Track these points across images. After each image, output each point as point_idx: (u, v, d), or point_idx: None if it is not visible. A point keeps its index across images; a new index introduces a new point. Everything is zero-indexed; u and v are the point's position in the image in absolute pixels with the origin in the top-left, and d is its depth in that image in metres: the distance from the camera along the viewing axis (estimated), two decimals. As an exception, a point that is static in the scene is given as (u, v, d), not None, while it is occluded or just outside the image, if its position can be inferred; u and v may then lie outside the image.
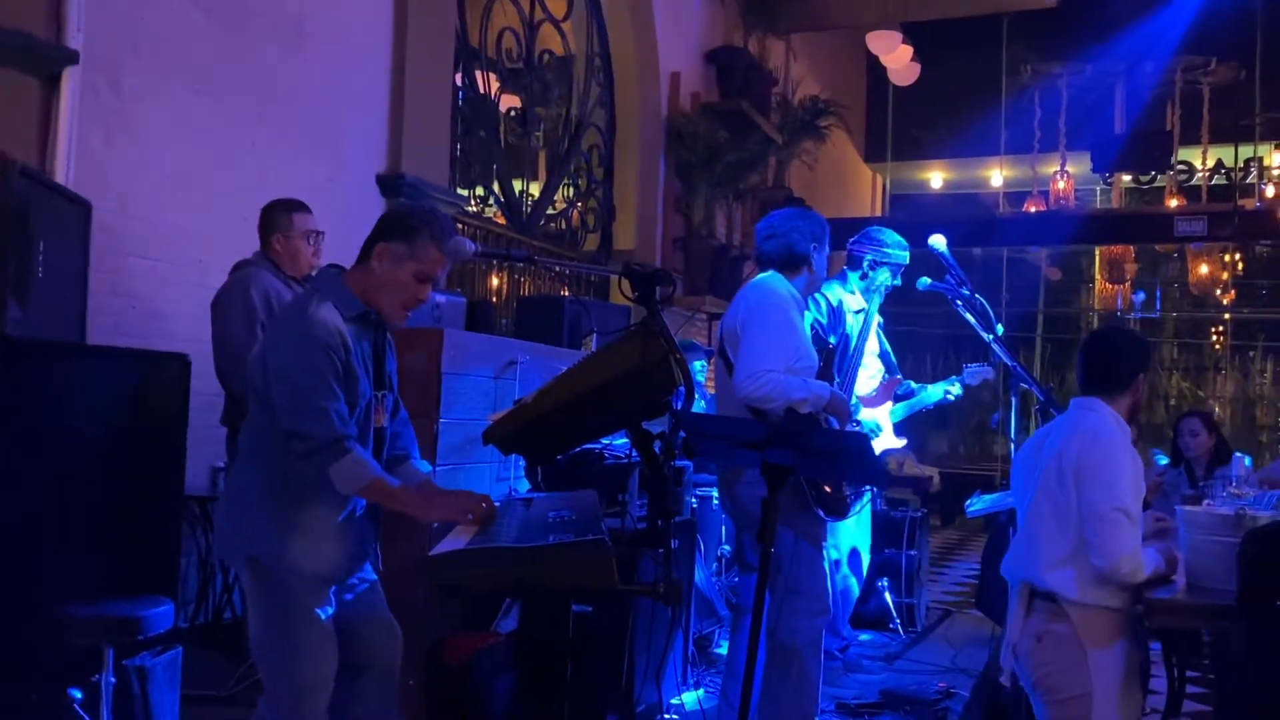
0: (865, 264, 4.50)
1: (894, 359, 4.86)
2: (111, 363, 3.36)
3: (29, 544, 2.89)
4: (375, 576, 2.61)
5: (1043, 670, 2.89)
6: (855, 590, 5.09)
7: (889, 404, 4.74)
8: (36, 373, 2.98)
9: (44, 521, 2.95)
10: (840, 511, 3.49)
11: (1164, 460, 5.69)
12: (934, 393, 4.89)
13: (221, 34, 4.56)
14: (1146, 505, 5.17)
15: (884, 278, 4.51)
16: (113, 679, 2.80)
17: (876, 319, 4.61)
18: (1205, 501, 3.18)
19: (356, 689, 2.52)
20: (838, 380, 3.85)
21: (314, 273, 3.78)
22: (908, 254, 4.52)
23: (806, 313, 3.57)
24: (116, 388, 3.28)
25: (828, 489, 3.38)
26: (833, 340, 4.17)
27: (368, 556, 2.55)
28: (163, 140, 4.31)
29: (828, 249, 3.60)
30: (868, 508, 5.02)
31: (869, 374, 4.61)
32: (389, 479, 2.42)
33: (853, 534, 4.95)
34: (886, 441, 4.71)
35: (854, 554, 5.01)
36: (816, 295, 4.47)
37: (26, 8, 3.70)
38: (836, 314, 4.39)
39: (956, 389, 4.89)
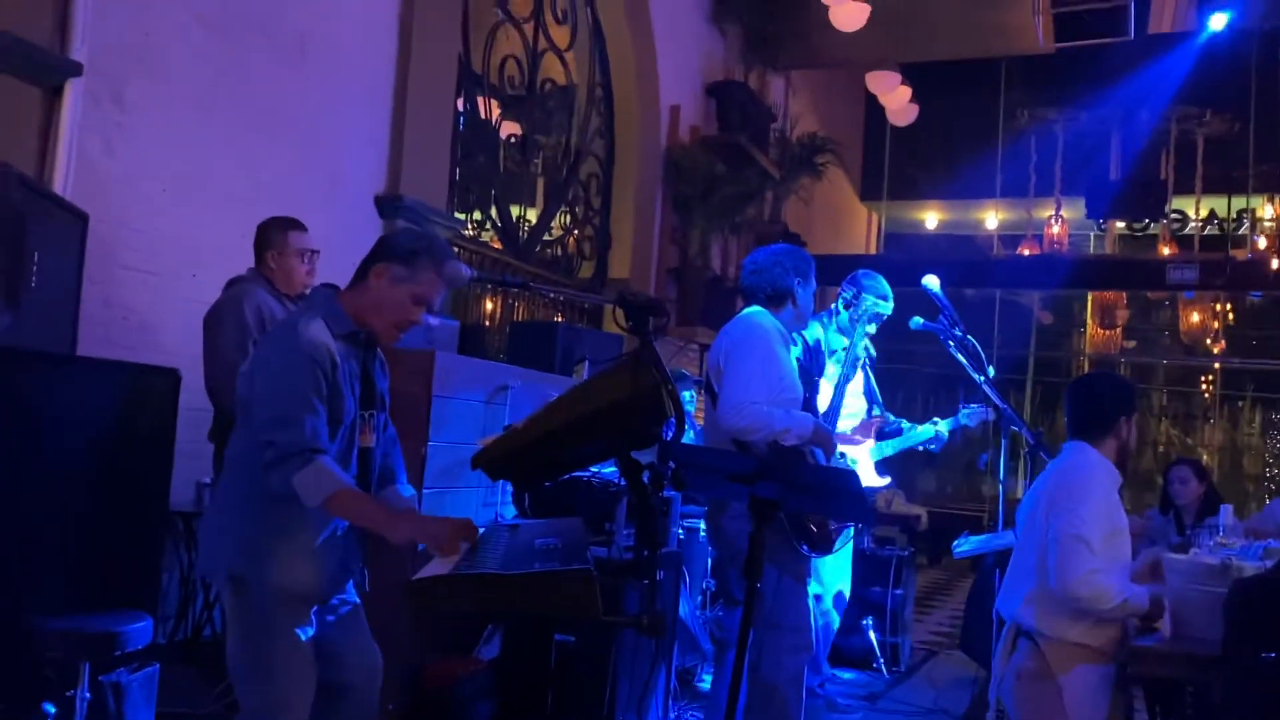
0: (845, 302, 4.48)
1: (879, 397, 4.84)
2: (101, 374, 3.35)
3: (7, 554, 2.86)
4: (358, 599, 2.58)
5: (1021, 709, 2.92)
6: (834, 626, 5.06)
7: (870, 441, 4.71)
8: (25, 382, 2.96)
9: (25, 532, 2.92)
10: (824, 546, 3.48)
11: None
12: (924, 432, 4.85)
13: (224, 50, 4.58)
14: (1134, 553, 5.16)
15: (869, 320, 4.50)
16: (88, 695, 2.77)
17: (864, 357, 4.59)
18: (1191, 550, 3.19)
19: (334, 712, 2.49)
20: (824, 412, 3.84)
21: (308, 291, 3.78)
22: (890, 305, 4.50)
23: (792, 347, 3.57)
24: (105, 399, 3.26)
25: (812, 526, 3.36)
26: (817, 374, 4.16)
27: (351, 576, 2.53)
28: (162, 153, 4.31)
29: (813, 284, 3.62)
30: (849, 545, 4.98)
31: (848, 411, 4.59)
32: (359, 492, 2.39)
33: (837, 572, 4.92)
34: (868, 479, 4.69)
35: (837, 593, 4.98)
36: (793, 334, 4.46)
37: (32, 18, 3.72)
38: (815, 352, 4.40)
39: (945, 429, 4.82)
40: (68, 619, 2.76)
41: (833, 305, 4.59)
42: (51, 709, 2.77)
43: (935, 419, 4.86)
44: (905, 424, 4.86)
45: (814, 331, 4.46)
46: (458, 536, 2.32)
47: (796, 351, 4.18)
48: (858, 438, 4.61)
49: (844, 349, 4.43)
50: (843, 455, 4.40)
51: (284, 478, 2.26)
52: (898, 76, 10.52)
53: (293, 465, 2.24)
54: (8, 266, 2.93)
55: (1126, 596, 2.82)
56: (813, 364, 4.28)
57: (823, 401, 4.03)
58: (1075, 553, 2.79)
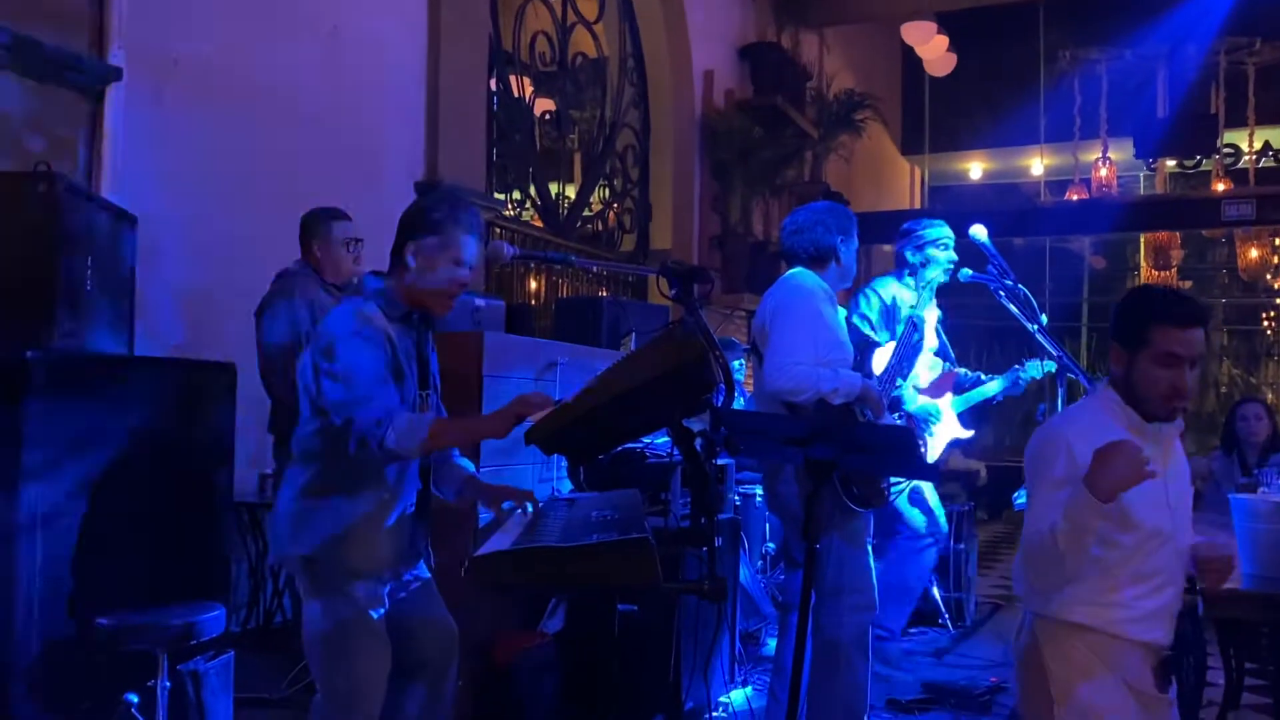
0: (913, 257, 4.47)
1: (952, 353, 4.82)
2: (159, 372, 3.42)
3: (83, 552, 2.94)
4: (429, 575, 2.63)
5: (1020, 702, 2.39)
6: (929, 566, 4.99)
7: (949, 395, 4.69)
8: (88, 384, 3.03)
9: (97, 530, 3.00)
10: (878, 501, 3.46)
11: None
12: (995, 386, 4.83)
13: (258, 45, 4.62)
14: (1197, 495, 5.07)
15: (933, 273, 4.47)
16: (168, 683, 2.85)
17: (935, 314, 4.58)
18: (1260, 489, 3.12)
19: (410, 688, 2.54)
20: (880, 376, 3.80)
21: (355, 279, 3.82)
22: (946, 229, 4.48)
23: (861, 305, 3.54)
24: (165, 397, 3.33)
25: (854, 488, 3.32)
26: (884, 337, 4.14)
27: (419, 555, 2.58)
28: (204, 152, 4.37)
29: (856, 241, 3.57)
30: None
31: (925, 366, 4.57)
32: (447, 418, 2.48)
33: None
34: (953, 430, 4.68)
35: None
36: (868, 292, 4.44)
37: (71, 27, 3.78)
38: (890, 312, 4.37)
39: (1025, 375, 4.81)
40: (145, 612, 2.84)
41: (912, 260, 4.53)
42: (134, 698, 2.85)
43: (1014, 369, 4.83)
44: (984, 375, 4.84)
45: (889, 290, 4.43)
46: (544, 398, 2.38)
47: (875, 309, 4.16)
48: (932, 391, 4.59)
49: (911, 307, 4.41)
50: (920, 416, 4.38)
51: (378, 445, 2.29)
52: (933, 26, 10.33)
53: (379, 432, 2.28)
54: (64, 272, 2.99)
55: (1056, 523, 2.06)
56: (886, 325, 4.27)
57: (878, 365, 4.01)
58: (1031, 558, 2.19)
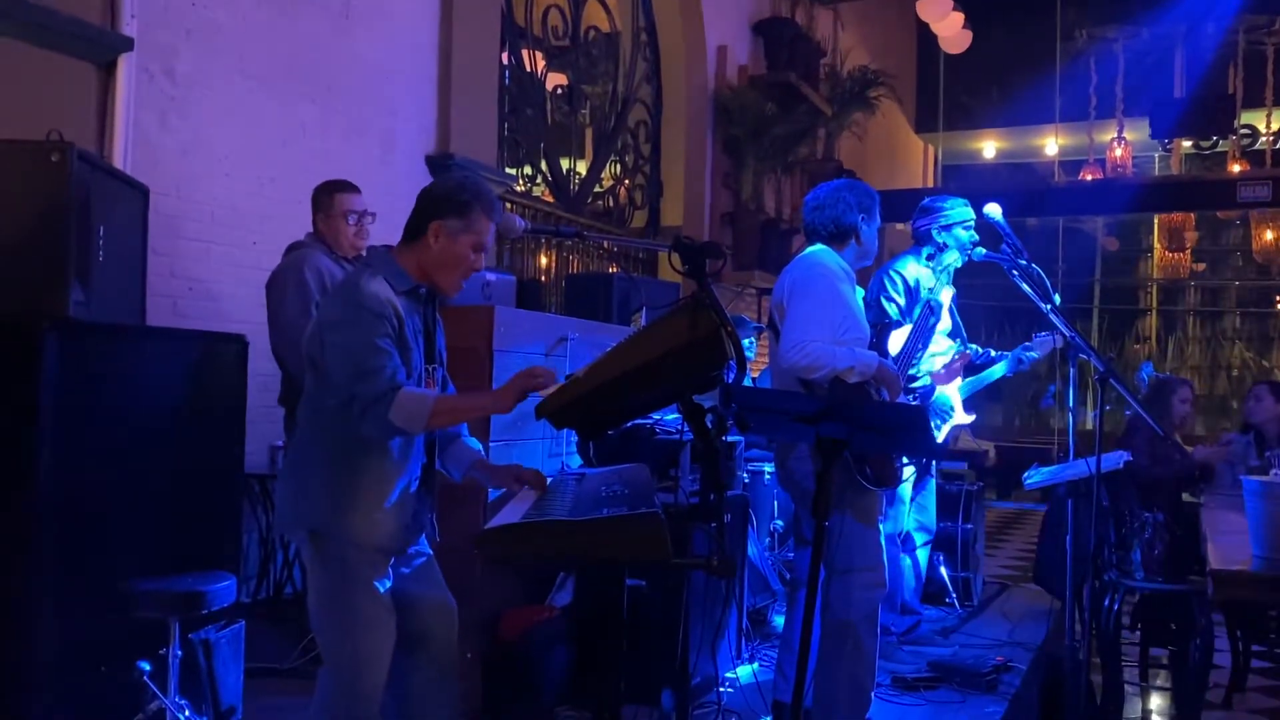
0: (938, 236, 4.43)
1: (964, 333, 4.79)
2: (171, 344, 3.42)
3: (96, 521, 2.96)
4: (431, 551, 2.64)
5: None
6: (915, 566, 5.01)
7: (959, 379, 4.67)
8: (99, 354, 3.03)
9: (110, 500, 3.02)
10: (891, 480, 3.45)
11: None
12: (999, 369, 4.81)
13: (270, 19, 4.60)
14: (1212, 471, 5.07)
15: (951, 257, 4.44)
16: (179, 652, 2.87)
17: (950, 292, 4.55)
18: (1272, 471, 3.11)
19: (413, 662, 2.55)
20: (895, 357, 3.79)
21: (364, 253, 3.82)
22: (970, 209, 4.44)
23: (888, 288, 3.51)
24: (176, 368, 3.34)
25: (868, 467, 3.32)
26: (907, 319, 4.11)
27: (424, 528, 2.58)
28: (216, 124, 4.36)
29: (878, 220, 3.55)
30: (931, 482, 4.95)
31: (937, 352, 4.54)
32: (452, 395, 2.47)
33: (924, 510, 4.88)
34: (958, 417, 4.66)
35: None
36: (892, 274, 4.40)
37: (82, -4, 3.77)
38: (914, 294, 4.34)
39: (1029, 355, 4.79)
40: (156, 580, 2.86)
41: (938, 240, 4.47)
42: (147, 666, 2.88)
43: (1015, 349, 4.81)
44: (994, 352, 4.81)
45: (910, 271, 4.39)
46: (548, 372, 2.38)
47: (901, 292, 4.13)
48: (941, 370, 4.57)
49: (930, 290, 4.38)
50: (912, 391, 4.36)
51: (377, 423, 2.28)
52: (949, 2, 10.24)
53: (382, 407, 2.27)
54: (77, 242, 2.99)
55: None
56: (909, 308, 4.24)
57: (894, 346, 3.99)
58: None
